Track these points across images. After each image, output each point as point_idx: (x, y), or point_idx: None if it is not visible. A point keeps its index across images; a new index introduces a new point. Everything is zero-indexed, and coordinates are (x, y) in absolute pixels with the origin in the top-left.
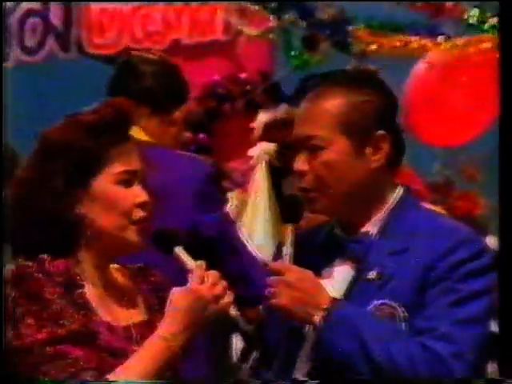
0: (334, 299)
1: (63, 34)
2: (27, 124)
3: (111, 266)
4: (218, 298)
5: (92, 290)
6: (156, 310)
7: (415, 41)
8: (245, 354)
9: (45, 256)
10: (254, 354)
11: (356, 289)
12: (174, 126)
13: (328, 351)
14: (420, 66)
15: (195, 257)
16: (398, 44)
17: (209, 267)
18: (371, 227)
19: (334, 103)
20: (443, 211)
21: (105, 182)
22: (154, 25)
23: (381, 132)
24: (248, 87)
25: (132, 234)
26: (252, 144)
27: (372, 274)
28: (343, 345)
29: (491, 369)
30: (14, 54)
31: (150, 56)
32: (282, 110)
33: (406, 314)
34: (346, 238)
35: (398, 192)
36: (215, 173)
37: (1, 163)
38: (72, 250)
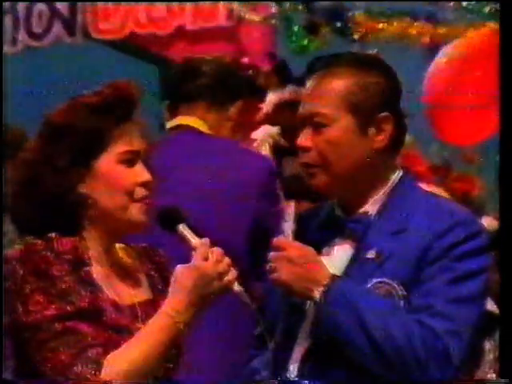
0: (334, 275)
1: (69, 20)
2: (34, 107)
3: (117, 245)
4: (221, 274)
5: (97, 269)
6: (160, 289)
7: (414, 26)
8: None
9: (53, 235)
10: (258, 330)
11: (355, 267)
12: (230, 120)
13: (327, 327)
14: (439, 60)
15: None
16: (397, 29)
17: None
18: (370, 207)
19: (340, 82)
20: (442, 192)
21: (107, 162)
22: (158, 11)
23: (385, 114)
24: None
25: (135, 213)
26: (255, 126)
27: (371, 254)
28: (342, 320)
29: (489, 346)
30: (22, 39)
31: (208, 57)
32: (290, 91)
33: (404, 293)
34: (345, 218)
35: (398, 174)
36: (276, 169)
37: (1, 147)
38: (76, 229)
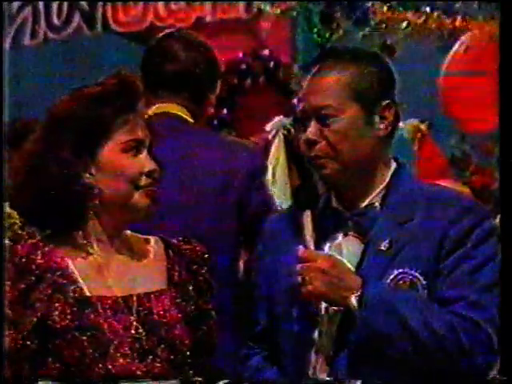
0: (364, 280)
1: (89, 12)
2: (52, 100)
3: (141, 236)
4: None
5: (86, 261)
6: (175, 280)
7: (433, 18)
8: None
9: (35, 241)
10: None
11: (368, 260)
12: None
13: (368, 332)
14: (457, 48)
15: None
16: (415, 21)
17: None
18: (374, 199)
19: (342, 73)
20: (460, 185)
21: (111, 151)
22: (177, 3)
23: (387, 101)
24: (270, 64)
25: (139, 201)
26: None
27: (384, 245)
28: (382, 323)
29: None
30: (42, 32)
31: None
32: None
33: (424, 282)
34: (348, 211)
35: (393, 164)
36: (262, 166)
37: (1, 138)
38: (81, 219)
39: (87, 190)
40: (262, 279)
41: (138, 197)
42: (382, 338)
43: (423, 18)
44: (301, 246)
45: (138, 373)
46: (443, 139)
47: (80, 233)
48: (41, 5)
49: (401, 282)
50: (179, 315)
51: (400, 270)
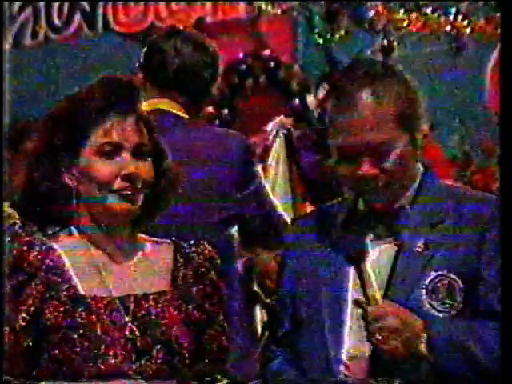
0: (425, 322)
1: (89, 12)
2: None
3: (149, 238)
4: None
5: (79, 260)
6: (177, 282)
7: (433, 18)
8: (268, 326)
9: (29, 239)
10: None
11: (403, 262)
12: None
13: (433, 372)
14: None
15: None
16: (415, 21)
17: None
18: (405, 201)
19: (389, 102)
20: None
21: (88, 153)
22: (178, 3)
23: (422, 114)
24: (271, 64)
25: (113, 203)
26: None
27: (419, 247)
28: (449, 360)
29: None
30: (43, 32)
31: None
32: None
33: (463, 286)
34: (380, 214)
35: (420, 167)
36: (249, 150)
37: (1, 138)
38: (70, 219)
39: (68, 190)
40: (286, 283)
41: (112, 200)
42: (448, 374)
43: (423, 18)
44: (360, 298)
45: (130, 373)
46: (444, 139)
47: (75, 231)
48: (41, 5)
49: (439, 284)
50: (178, 317)
51: (439, 272)
